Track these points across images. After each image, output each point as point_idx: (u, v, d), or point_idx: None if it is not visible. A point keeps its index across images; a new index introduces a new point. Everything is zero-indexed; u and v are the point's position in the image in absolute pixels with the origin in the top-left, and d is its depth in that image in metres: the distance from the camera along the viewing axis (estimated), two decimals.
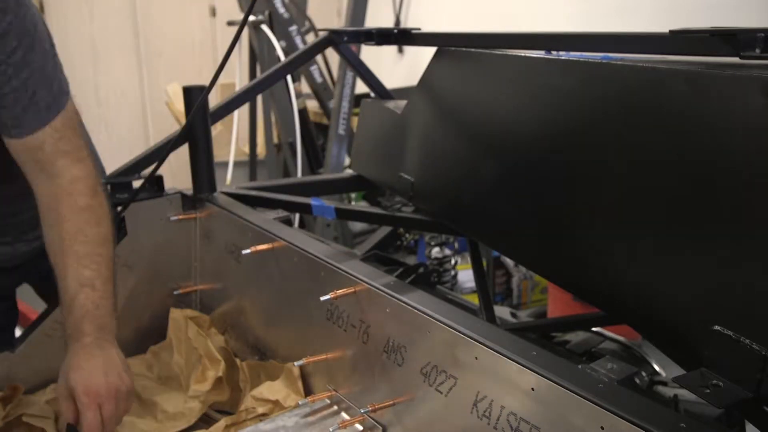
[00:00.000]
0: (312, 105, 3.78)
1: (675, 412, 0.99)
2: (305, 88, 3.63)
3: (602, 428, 0.66)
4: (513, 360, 0.76)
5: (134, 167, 1.37)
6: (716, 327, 0.73)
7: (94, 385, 1.01)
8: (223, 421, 1.10)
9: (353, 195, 3.23)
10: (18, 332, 1.46)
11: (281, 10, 3.34)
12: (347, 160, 3.23)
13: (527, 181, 1.09)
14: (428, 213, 1.47)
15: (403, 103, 1.46)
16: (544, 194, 1.05)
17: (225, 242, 1.31)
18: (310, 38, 3.45)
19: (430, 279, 1.47)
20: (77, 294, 1.07)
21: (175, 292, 1.38)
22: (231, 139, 3.54)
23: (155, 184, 1.38)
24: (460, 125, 1.26)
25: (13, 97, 1.03)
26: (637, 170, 0.88)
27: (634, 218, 0.88)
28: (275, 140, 3.70)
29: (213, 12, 4.69)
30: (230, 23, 3.63)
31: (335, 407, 1.02)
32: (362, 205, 3.05)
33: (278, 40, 3.27)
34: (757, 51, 0.76)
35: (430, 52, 1.30)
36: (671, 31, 0.87)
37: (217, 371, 1.19)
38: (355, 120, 2.97)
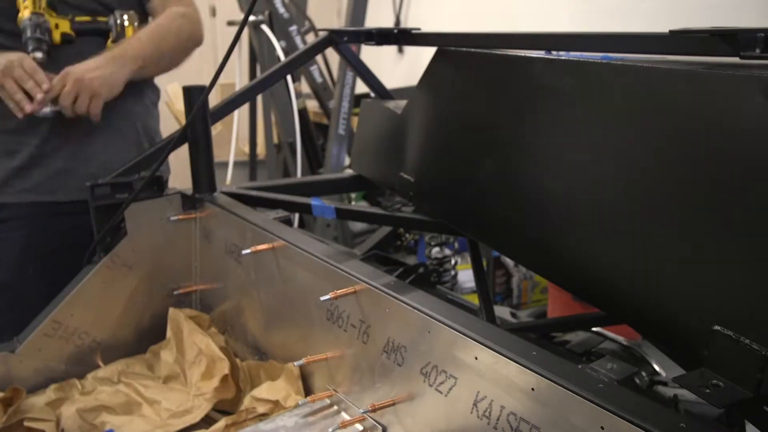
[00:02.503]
0: (312, 105, 3.78)
1: (675, 412, 0.99)
2: (305, 88, 3.63)
3: (602, 428, 0.66)
4: (513, 360, 0.76)
5: (134, 167, 1.37)
6: (716, 327, 0.73)
7: (80, 73, 1.41)
8: (223, 421, 1.10)
9: (353, 195, 3.23)
10: None
11: (281, 10, 3.34)
12: (347, 160, 3.23)
13: (527, 180, 1.09)
14: (428, 213, 1.47)
15: (403, 103, 1.46)
16: (544, 194, 1.05)
17: (225, 242, 1.31)
18: (310, 38, 3.45)
19: (430, 279, 1.47)
20: (129, 40, 1.53)
21: (175, 292, 1.38)
22: (231, 139, 3.54)
23: (155, 184, 1.38)
24: (460, 125, 1.26)
25: None
26: (636, 170, 0.88)
27: (634, 218, 0.89)
28: (275, 140, 3.70)
29: (213, 12, 4.69)
30: (230, 23, 3.63)
31: (335, 407, 1.02)
32: (362, 205, 3.05)
33: (278, 40, 3.27)
34: (757, 51, 0.76)
35: (430, 52, 1.30)
36: (671, 31, 0.87)
37: (223, 369, 1.20)
38: (355, 120, 2.97)
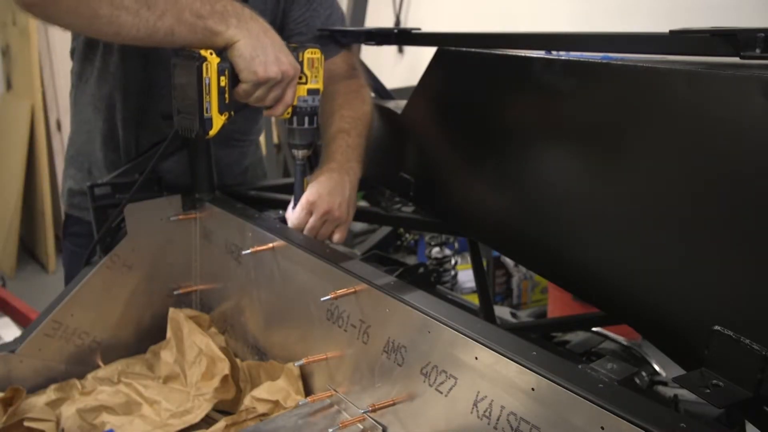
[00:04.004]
0: None
1: (675, 412, 0.99)
2: None
3: (602, 428, 0.66)
4: (513, 360, 0.76)
5: (135, 167, 1.37)
6: (716, 327, 0.73)
7: (317, 197, 1.23)
8: (223, 421, 1.10)
9: None
10: (18, 332, 1.46)
11: None
12: None
13: (527, 180, 1.09)
14: (428, 213, 1.47)
15: (403, 103, 1.46)
16: (544, 194, 1.05)
17: (225, 242, 1.31)
18: None
19: (430, 279, 1.47)
20: (335, 136, 1.33)
21: (175, 292, 1.38)
22: None
23: (155, 184, 1.38)
24: (460, 125, 1.26)
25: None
26: (636, 170, 0.88)
27: (633, 218, 0.89)
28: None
29: None
30: None
31: (335, 407, 1.02)
32: (362, 205, 3.05)
33: None
34: (757, 51, 0.76)
35: (430, 52, 1.30)
36: (671, 31, 0.87)
37: (223, 370, 1.20)
38: None
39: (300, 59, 1.19)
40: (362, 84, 1.47)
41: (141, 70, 1.38)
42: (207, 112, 1.11)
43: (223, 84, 1.11)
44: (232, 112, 1.14)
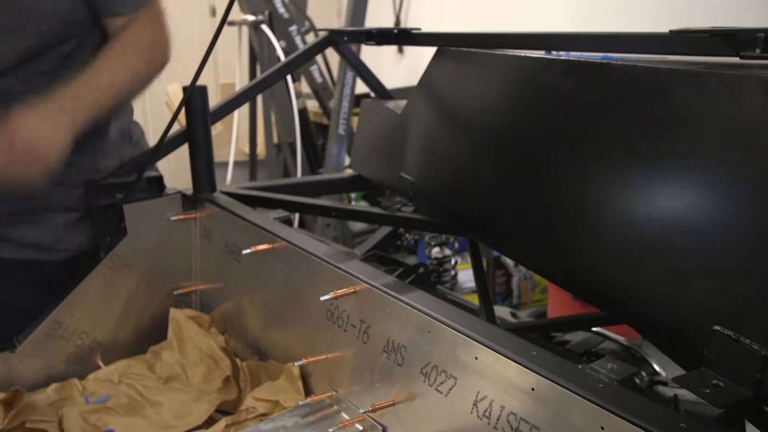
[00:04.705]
0: (312, 105, 3.79)
1: (675, 412, 0.99)
2: (305, 88, 3.64)
3: (602, 428, 0.66)
4: (513, 360, 0.76)
5: (134, 167, 1.37)
6: (716, 327, 0.73)
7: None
8: (223, 421, 1.10)
9: (353, 195, 3.23)
10: None
11: (281, 10, 3.34)
12: (347, 160, 3.23)
13: (527, 180, 1.09)
14: (428, 213, 1.47)
15: (403, 103, 1.46)
16: (544, 194, 1.05)
17: (225, 242, 1.31)
18: (310, 38, 3.46)
19: (430, 279, 1.47)
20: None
21: (175, 292, 1.38)
22: (231, 139, 3.54)
23: (155, 184, 1.38)
24: (460, 125, 1.26)
25: None
26: (637, 170, 0.88)
27: (633, 218, 0.88)
28: (275, 140, 3.71)
29: (213, 12, 4.69)
30: (230, 23, 3.64)
31: (335, 407, 1.02)
32: (362, 205, 3.05)
33: (278, 40, 3.28)
34: (757, 51, 0.77)
35: (430, 52, 1.30)
36: (671, 31, 0.87)
37: (225, 370, 1.20)
38: (355, 120, 2.98)
39: None
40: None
41: None
42: None
43: None
44: None
